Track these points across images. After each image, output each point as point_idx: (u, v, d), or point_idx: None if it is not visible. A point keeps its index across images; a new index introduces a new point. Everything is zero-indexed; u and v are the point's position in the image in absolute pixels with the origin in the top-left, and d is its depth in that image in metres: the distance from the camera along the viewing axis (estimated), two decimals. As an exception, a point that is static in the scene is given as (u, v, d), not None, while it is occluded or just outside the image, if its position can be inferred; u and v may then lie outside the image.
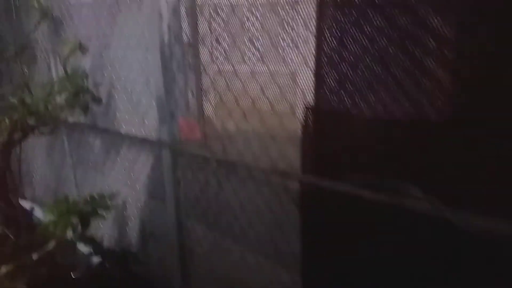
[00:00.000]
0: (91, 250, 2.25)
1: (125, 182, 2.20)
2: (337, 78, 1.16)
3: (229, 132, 1.60)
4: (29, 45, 2.45)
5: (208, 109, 1.73)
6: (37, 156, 2.94)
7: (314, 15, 1.21)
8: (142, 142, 2.01)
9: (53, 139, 2.66)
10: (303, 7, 1.29)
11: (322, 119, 1.22)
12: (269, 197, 1.39)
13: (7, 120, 2.09)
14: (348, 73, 1.14)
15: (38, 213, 2.66)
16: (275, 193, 1.36)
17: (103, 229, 2.39)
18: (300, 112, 1.28)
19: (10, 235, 2.34)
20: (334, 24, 1.15)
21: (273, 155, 1.37)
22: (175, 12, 1.76)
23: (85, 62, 2.17)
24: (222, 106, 1.61)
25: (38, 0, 2.28)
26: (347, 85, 1.15)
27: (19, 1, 2.63)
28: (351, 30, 1.12)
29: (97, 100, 2.11)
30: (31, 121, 2.14)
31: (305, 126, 1.26)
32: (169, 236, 1.91)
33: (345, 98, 1.15)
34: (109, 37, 2.09)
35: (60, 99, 2.14)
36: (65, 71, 2.11)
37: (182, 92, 1.80)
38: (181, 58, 1.80)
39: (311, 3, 1.24)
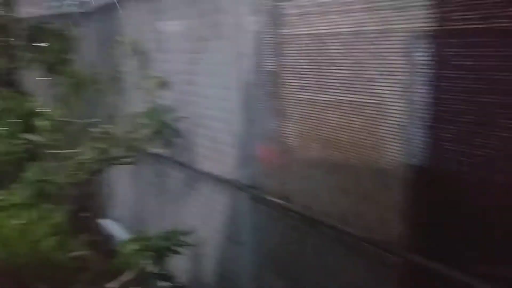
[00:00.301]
0: (166, 286, 2.25)
1: (201, 218, 2.18)
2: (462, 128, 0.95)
3: (314, 178, 1.48)
4: (118, 78, 2.55)
5: (292, 145, 1.62)
6: (123, 179, 3.05)
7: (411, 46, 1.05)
8: (220, 181, 1.97)
9: (137, 166, 2.73)
10: (396, 37, 1.13)
11: (436, 182, 1.02)
12: (361, 268, 1.24)
13: (95, 150, 2.17)
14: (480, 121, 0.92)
15: (119, 232, 2.74)
16: (369, 264, 1.21)
17: (178, 264, 2.38)
18: (397, 162, 1.10)
19: (91, 261, 2.42)
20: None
21: (366, 216, 1.21)
22: (257, 50, 1.71)
23: (169, 97, 2.20)
24: (306, 143, 1.50)
25: (128, 35, 2.38)
26: (476, 138, 0.92)
27: (111, 35, 2.77)
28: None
29: (178, 135, 2.12)
30: (116, 152, 2.20)
31: (411, 186, 1.07)
32: (244, 283, 1.83)
33: (473, 157, 0.92)
34: (192, 73, 2.10)
35: (143, 132, 2.18)
36: (149, 105, 2.14)
37: (264, 130, 1.72)
38: (262, 97, 1.73)
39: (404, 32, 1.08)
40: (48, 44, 2.41)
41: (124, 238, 3.03)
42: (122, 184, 3.03)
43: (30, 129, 2.50)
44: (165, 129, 2.10)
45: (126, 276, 2.29)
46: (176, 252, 2.04)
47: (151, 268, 2.25)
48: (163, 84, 2.15)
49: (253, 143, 1.71)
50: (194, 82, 2.10)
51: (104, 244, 2.48)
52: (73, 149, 2.23)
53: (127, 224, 3.14)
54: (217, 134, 1.96)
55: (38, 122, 2.29)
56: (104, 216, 2.94)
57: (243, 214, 1.79)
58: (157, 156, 2.46)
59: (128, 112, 2.44)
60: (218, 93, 1.92)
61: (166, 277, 2.20)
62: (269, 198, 1.66)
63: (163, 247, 2.01)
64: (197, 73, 2.06)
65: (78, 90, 2.57)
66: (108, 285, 2.17)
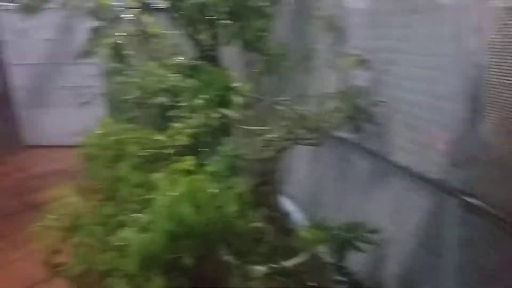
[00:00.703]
0: (340, 279, 2.13)
1: (388, 216, 1.95)
2: None
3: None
4: (309, 56, 2.47)
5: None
6: (303, 159, 3.03)
7: None
8: (419, 178, 1.70)
9: (318, 148, 2.65)
10: None
11: None
12: None
13: (283, 129, 2.15)
14: None
15: (295, 211, 2.74)
16: None
17: (355, 259, 2.23)
18: None
19: (268, 235, 2.46)
20: None
21: None
22: (482, 29, 1.35)
23: (366, 77, 1.99)
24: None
25: (323, 9, 2.25)
26: None
27: (304, 10, 2.68)
28: None
29: (373, 121, 1.92)
30: (303, 132, 2.13)
31: None
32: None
33: None
34: (395, 51, 1.84)
35: (333, 114, 2.05)
36: (342, 87, 1.99)
37: (494, 125, 1.38)
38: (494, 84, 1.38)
39: None
40: (248, 20, 2.46)
41: (299, 218, 3.04)
42: (301, 164, 3.01)
43: (225, 103, 2.66)
44: (358, 114, 1.91)
45: (301, 258, 2.26)
46: (357, 248, 1.89)
47: (327, 258, 2.17)
48: (361, 63, 1.95)
49: (475, 140, 1.39)
50: (397, 61, 1.84)
51: (280, 220, 2.48)
52: (262, 126, 2.25)
53: (302, 204, 3.13)
54: (421, 123, 1.68)
55: (234, 98, 2.39)
56: (282, 193, 2.97)
57: (448, 223, 1.50)
58: (342, 140, 2.31)
59: (319, 92, 2.34)
60: (427, 75, 1.63)
61: (343, 271, 2.08)
62: (489, 209, 1.33)
63: (345, 239, 1.88)
64: (401, 51, 1.80)
65: (270, 67, 2.59)
66: (284, 263, 2.17)
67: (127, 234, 2.15)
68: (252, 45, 2.53)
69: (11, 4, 5.86)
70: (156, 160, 3.36)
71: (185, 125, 3.82)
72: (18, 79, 6.02)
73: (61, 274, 2.27)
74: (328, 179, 2.63)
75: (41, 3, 2.77)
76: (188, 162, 2.49)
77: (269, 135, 2.09)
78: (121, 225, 2.30)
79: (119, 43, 2.83)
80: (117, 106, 5.59)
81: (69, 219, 2.36)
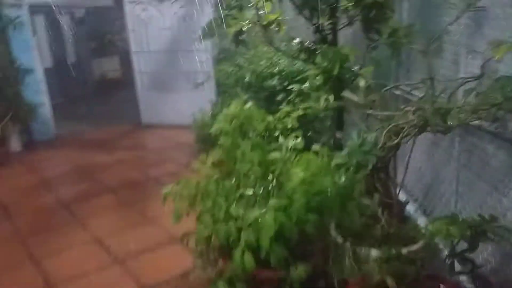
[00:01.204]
0: (464, 271, 2.05)
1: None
2: None
3: None
4: (440, 38, 2.35)
5: None
6: (416, 146, 2.92)
7: None
8: None
9: (440, 136, 2.53)
10: None
11: None
12: None
13: (411, 115, 2.09)
14: None
15: (408, 200, 2.66)
16: None
17: (483, 254, 2.12)
18: None
19: (382, 220, 2.43)
20: None
21: None
22: None
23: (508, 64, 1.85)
24: None
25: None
26: None
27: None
28: None
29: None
30: (431, 119, 2.05)
31: None
32: None
33: None
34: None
35: (470, 101, 1.94)
36: (484, 73, 1.86)
37: None
38: None
39: None
40: (372, 1, 2.42)
41: (412, 207, 2.95)
42: (416, 152, 2.89)
43: (344, 87, 2.66)
44: (505, 103, 1.77)
45: (418, 246, 2.21)
46: (489, 240, 1.80)
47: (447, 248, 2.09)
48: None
49: None
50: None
51: (395, 208, 2.43)
52: (387, 112, 2.22)
53: (416, 193, 3.03)
54: None
55: (356, 82, 2.39)
56: (397, 181, 2.91)
57: None
58: (470, 128, 2.18)
59: (451, 78, 2.23)
60: None
61: (467, 262, 1.98)
62: None
63: (477, 231, 1.79)
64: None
65: (394, 50, 2.53)
66: (403, 249, 2.14)
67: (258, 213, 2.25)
68: (375, 26, 2.49)
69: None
70: (270, 138, 3.50)
71: (294, 108, 3.91)
72: (139, 64, 6.66)
73: (187, 238, 2.52)
74: (449, 169, 2.50)
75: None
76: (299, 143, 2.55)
77: (398, 121, 2.05)
78: (241, 198, 2.47)
79: (240, 30, 2.97)
80: (226, 90, 5.91)
81: (196, 189, 2.57)
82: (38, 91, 6.12)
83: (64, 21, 9.56)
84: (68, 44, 9.70)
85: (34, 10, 6.43)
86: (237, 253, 2.15)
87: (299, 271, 2.15)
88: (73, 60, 9.86)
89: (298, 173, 2.08)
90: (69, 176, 4.99)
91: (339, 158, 2.04)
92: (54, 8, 6.21)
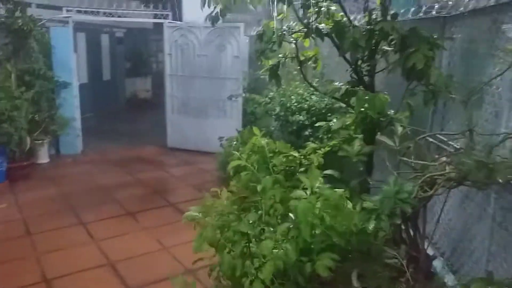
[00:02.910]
0: None
1: None
2: None
3: None
4: (481, 90, 2.28)
5: None
6: (449, 199, 2.80)
7: None
8: None
9: (473, 190, 2.41)
10: None
11: None
12: None
13: (446, 166, 2.00)
14: None
15: (437, 262, 2.52)
16: None
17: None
18: None
19: (408, 274, 2.30)
20: None
21: None
22: None
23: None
24: None
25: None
26: None
27: (479, 43, 2.50)
28: None
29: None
30: (468, 172, 1.95)
31: None
32: None
33: None
34: None
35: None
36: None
37: None
38: None
39: None
40: (415, 49, 2.37)
41: (439, 264, 2.79)
42: (449, 205, 2.77)
43: (376, 132, 2.59)
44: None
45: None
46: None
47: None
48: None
49: None
50: None
51: (422, 262, 2.30)
52: (422, 161, 2.13)
53: (444, 249, 2.88)
54: None
55: (390, 127, 2.33)
56: (425, 234, 2.78)
57: None
58: (509, 186, 2.06)
59: (492, 132, 2.14)
60: None
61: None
62: None
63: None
64: None
65: (432, 99, 2.46)
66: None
67: (266, 244, 2.21)
68: (416, 74, 2.44)
69: (177, 22, 6.67)
70: (292, 175, 3.42)
71: (321, 145, 3.83)
72: (172, 88, 6.78)
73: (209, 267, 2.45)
74: (482, 226, 2.37)
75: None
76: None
77: (433, 173, 1.97)
78: (261, 234, 2.39)
79: (278, 63, 2.98)
80: (253, 120, 5.91)
81: (218, 219, 2.52)
82: (71, 106, 6.28)
83: (104, 40, 9.95)
84: (104, 62, 10.04)
85: (77, 27, 6.70)
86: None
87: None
88: (108, 78, 10.18)
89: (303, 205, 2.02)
90: (90, 194, 5.01)
91: (370, 202, 1.96)
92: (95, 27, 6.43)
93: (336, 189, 2.25)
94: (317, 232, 2.12)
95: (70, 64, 6.18)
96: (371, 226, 1.96)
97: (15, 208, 4.44)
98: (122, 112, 9.84)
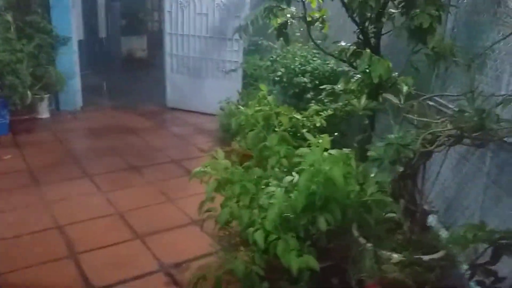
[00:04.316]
0: (484, 283, 2.07)
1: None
2: None
3: None
4: (484, 54, 2.37)
5: None
6: (444, 159, 2.94)
7: None
8: None
9: (470, 151, 2.56)
10: None
11: None
12: None
13: (448, 125, 2.12)
14: None
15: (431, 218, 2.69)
16: None
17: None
18: None
19: (405, 226, 2.46)
20: None
21: None
22: None
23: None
24: None
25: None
26: None
27: (484, 5, 2.56)
28: None
29: None
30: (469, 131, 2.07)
31: None
32: None
33: None
34: None
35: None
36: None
37: None
38: None
39: None
40: (421, 10, 2.43)
41: (434, 219, 2.97)
42: (445, 166, 2.92)
43: (381, 92, 2.69)
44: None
45: (440, 254, 2.24)
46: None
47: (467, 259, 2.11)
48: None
49: None
50: None
51: (418, 216, 2.47)
52: (425, 118, 2.25)
53: (438, 206, 3.05)
54: None
55: (399, 86, 2.42)
56: (423, 190, 2.94)
57: None
58: (505, 145, 2.20)
59: (493, 93, 2.25)
60: None
61: (490, 273, 2.00)
62: None
63: (501, 243, 1.83)
64: None
65: (436, 61, 2.55)
66: (425, 256, 2.18)
67: (273, 191, 2.35)
68: (420, 36, 2.51)
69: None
70: (295, 135, 3.54)
71: (324, 107, 3.94)
72: (170, 46, 6.72)
73: (210, 218, 2.58)
74: (477, 184, 2.52)
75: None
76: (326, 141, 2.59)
77: (435, 129, 2.08)
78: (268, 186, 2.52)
79: (286, 22, 3.02)
80: (252, 82, 5.95)
81: (223, 174, 2.64)
82: (71, 62, 6.23)
83: (99, -4, 9.70)
84: (100, 18, 9.84)
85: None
86: (252, 232, 2.23)
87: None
88: (103, 35, 10.00)
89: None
90: (93, 149, 5.09)
91: (375, 150, 2.07)
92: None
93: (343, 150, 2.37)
94: (320, 186, 2.24)
95: (69, 18, 6.08)
96: (373, 174, 2.07)
97: (20, 159, 4.52)
98: (119, 70, 9.75)
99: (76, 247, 2.97)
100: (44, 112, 5.99)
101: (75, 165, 4.46)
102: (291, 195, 2.26)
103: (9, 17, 5.29)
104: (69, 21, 6.08)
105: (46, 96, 5.94)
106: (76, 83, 6.41)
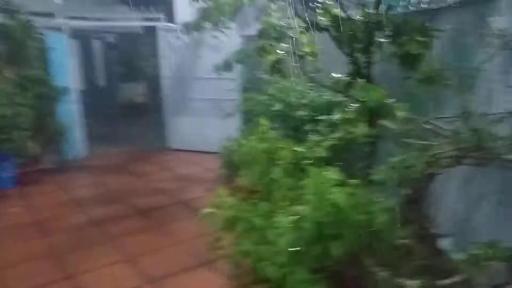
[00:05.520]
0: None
1: None
2: None
3: None
4: (472, 74, 2.44)
5: None
6: (450, 180, 2.95)
7: None
8: None
9: (475, 171, 2.57)
10: None
11: None
12: None
13: (447, 146, 2.15)
14: None
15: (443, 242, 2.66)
16: None
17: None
18: None
19: (416, 251, 2.44)
20: None
21: None
22: None
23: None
24: None
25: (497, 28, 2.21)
26: None
27: (470, 28, 2.65)
28: None
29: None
30: (471, 151, 2.10)
31: None
32: None
33: None
34: None
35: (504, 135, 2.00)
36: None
37: None
38: None
39: None
40: (409, 38, 2.52)
41: (446, 242, 2.94)
42: (449, 186, 2.93)
43: (378, 118, 2.74)
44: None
45: (457, 278, 2.21)
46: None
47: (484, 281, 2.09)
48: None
49: None
50: None
51: (430, 240, 2.45)
52: (425, 142, 2.28)
53: (449, 228, 3.03)
54: None
55: (394, 112, 2.47)
56: (431, 214, 2.93)
57: None
58: (510, 164, 2.22)
59: (486, 112, 2.29)
60: None
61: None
62: None
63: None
64: None
65: (427, 85, 2.61)
66: (439, 281, 2.15)
67: (281, 224, 2.34)
68: (410, 62, 2.59)
69: (172, 24, 6.78)
70: (297, 168, 3.55)
71: (323, 138, 3.97)
72: (168, 89, 6.88)
73: (222, 257, 2.56)
74: (487, 205, 2.52)
75: (200, 24, 3.18)
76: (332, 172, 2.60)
77: (437, 151, 2.11)
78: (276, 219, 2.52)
79: (278, 59, 3.11)
80: (251, 119, 6.01)
81: (230, 212, 2.64)
82: (71, 112, 6.35)
83: (97, 46, 9.99)
84: (99, 68, 10.09)
85: (70, 33, 6.76)
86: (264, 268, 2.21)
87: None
88: (103, 84, 10.23)
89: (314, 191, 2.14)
90: (99, 196, 5.11)
91: (378, 173, 2.09)
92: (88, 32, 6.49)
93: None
94: (328, 216, 2.24)
95: (67, 69, 6.25)
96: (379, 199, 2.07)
97: (27, 211, 4.54)
98: (121, 116, 9.91)
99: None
100: (49, 162, 6.05)
101: (82, 214, 4.47)
102: (300, 226, 2.26)
103: (6, 73, 5.42)
104: (67, 72, 6.25)
105: (49, 147, 6.01)
106: (78, 132, 6.50)
